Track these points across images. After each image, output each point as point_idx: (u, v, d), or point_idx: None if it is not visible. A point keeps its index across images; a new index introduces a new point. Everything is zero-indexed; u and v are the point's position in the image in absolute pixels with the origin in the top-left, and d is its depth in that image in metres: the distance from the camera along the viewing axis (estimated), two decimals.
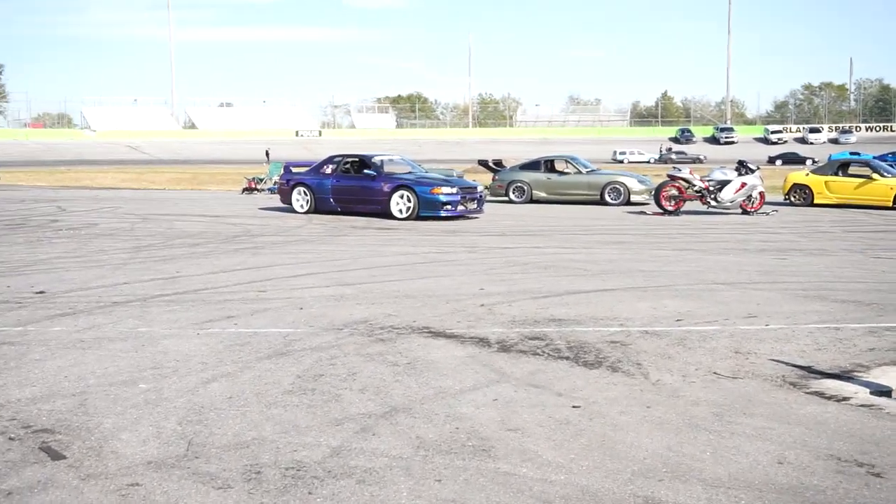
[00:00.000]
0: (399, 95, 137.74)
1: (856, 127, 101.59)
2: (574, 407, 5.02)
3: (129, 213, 19.35)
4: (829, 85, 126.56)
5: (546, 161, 23.06)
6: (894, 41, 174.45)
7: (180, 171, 51.63)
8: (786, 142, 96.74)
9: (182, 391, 5.27)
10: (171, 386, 5.38)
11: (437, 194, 17.19)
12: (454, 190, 17.38)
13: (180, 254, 11.92)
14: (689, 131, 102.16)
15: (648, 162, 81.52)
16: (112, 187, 33.81)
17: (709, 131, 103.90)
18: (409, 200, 17.37)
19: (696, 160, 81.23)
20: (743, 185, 18.77)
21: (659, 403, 5.11)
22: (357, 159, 18.89)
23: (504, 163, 24.33)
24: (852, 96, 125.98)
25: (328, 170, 18.90)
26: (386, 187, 17.66)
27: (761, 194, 19.09)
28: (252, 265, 10.82)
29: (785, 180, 22.02)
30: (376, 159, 18.65)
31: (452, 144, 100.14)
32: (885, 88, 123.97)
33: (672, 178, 19.04)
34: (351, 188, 18.31)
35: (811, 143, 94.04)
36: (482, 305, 8.15)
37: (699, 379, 5.65)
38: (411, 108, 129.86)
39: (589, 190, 22.04)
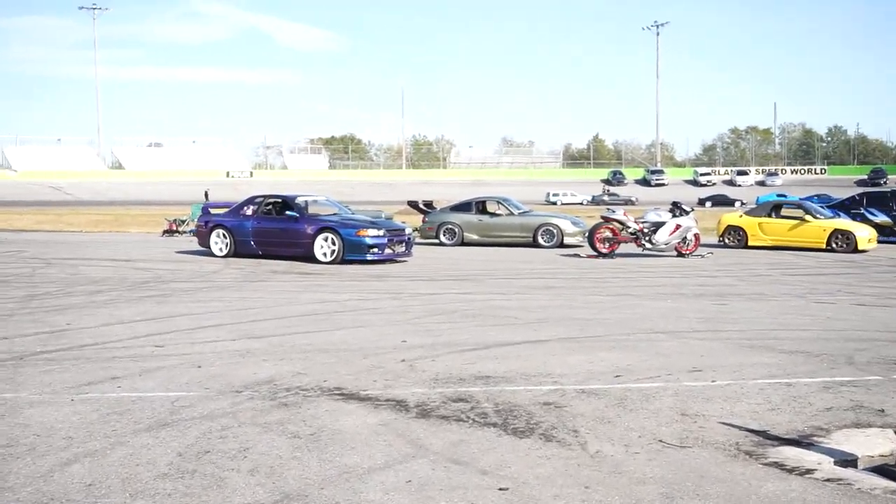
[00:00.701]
0: (332, 137, 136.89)
1: (781, 170, 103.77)
2: (501, 490, 4.27)
3: (34, 257, 18.16)
4: (754, 129, 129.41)
5: (478, 202, 22.47)
6: (815, 87, 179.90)
7: (103, 213, 49.97)
8: (714, 184, 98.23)
9: (31, 477, 4.38)
10: (20, 470, 4.48)
11: (363, 237, 16.41)
12: (381, 232, 16.62)
13: (77, 303, 10.92)
14: (620, 173, 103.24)
15: (581, 203, 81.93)
16: (26, 230, 32.31)
17: (640, 173, 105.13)
18: (333, 243, 16.56)
19: (629, 202, 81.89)
20: (678, 226, 18.38)
21: (599, 482, 4.38)
22: (279, 200, 18.06)
23: (435, 204, 23.68)
24: (777, 140, 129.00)
25: (249, 211, 18.01)
26: (309, 229, 16.83)
27: (696, 236, 18.72)
28: (154, 315, 9.88)
29: (719, 222, 21.77)
30: (299, 200, 17.83)
31: (385, 186, 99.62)
32: (808, 133, 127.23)
33: (606, 219, 18.58)
34: (272, 230, 17.44)
35: (739, 186, 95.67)
36: (403, 360, 7.38)
37: (643, 449, 4.94)
38: (344, 149, 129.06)
39: (521, 232, 21.49)
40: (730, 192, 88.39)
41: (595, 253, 18.42)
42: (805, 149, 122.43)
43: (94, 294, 11.79)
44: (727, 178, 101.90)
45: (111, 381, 6.53)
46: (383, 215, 22.66)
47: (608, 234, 18.41)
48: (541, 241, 21.24)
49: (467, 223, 21.87)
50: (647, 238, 18.40)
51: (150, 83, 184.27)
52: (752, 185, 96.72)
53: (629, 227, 18.46)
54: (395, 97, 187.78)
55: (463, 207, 22.37)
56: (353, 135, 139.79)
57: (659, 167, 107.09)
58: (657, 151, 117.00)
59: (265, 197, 18.20)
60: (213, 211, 18.75)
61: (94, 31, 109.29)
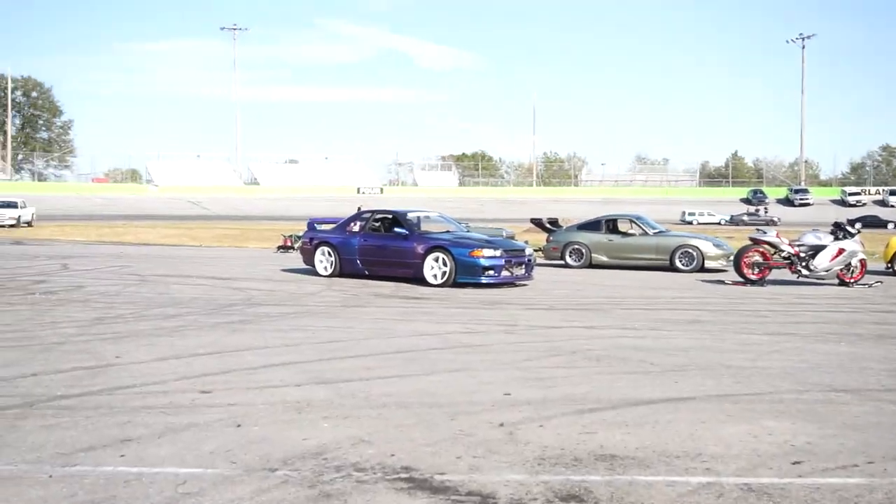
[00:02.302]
0: (463, 154, 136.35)
1: None
2: None
3: (134, 272, 17.25)
4: None
5: (608, 221, 20.46)
6: None
7: (231, 228, 50.14)
8: (864, 204, 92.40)
9: None
10: None
11: (478, 257, 14.72)
12: (498, 253, 14.89)
13: (144, 329, 9.61)
14: (761, 192, 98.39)
15: (719, 223, 78.15)
16: (149, 243, 32.11)
17: (782, 192, 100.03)
18: (444, 264, 14.94)
19: (770, 222, 77.68)
20: (840, 251, 15.94)
21: None
22: (389, 216, 16.59)
23: (560, 222, 21.77)
24: None
25: (355, 227, 16.61)
26: (419, 248, 15.27)
27: (862, 262, 16.21)
28: (220, 348, 8.43)
29: (887, 246, 19.03)
30: (410, 216, 16.30)
31: (515, 203, 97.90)
32: None
33: (755, 241, 16.30)
34: (379, 249, 15.97)
35: (892, 206, 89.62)
36: (501, 425, 5.63)
37: None
38: (475, 166, 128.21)
39: (657, 254, 19.36)
40: (882, 213, 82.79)
41: (742, 280, 16.17)
42: None
43: (168, 318, 10.49)
44: (878, 198, 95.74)
45: (118, 446, 5.03)
46: (504, 233, 20.98)
47: (758, 258, 16.12)
48: (678, 264, 19.08)
49: (596, 243, 19.90)
50: (803, 264, 16.03)
51: (289, 103, 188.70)
52: None
53: (783, 251, 16.13)
54: (527, 115, 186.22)
55: (591, 226, 20.41)
56: (483, 152, 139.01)
57: (804, 186, 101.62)
58: (801, 169, 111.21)
59: (373, 212, 16.78)
60: (319, 227, 17.42)
61: (234, 51, 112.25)
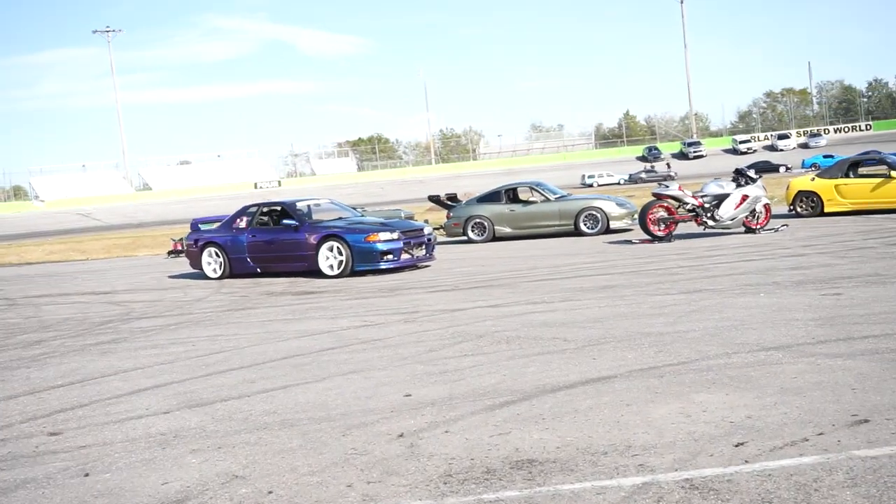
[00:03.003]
0: (359, 138, 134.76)
1: (824, 130, 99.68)
2: None
3: (4, 297, 15.84)
4: (790, 91, 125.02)
5: (508, 190, 19.79)
6: (850, 42, 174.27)
7: (122, 237, 47.97)
8: (755, 151, 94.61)
9: None
10: None
11: (374, 242, 13.88)
12: (395, 235, 14.07)
13: (0, 361, 8.50)
14: (656, 149, 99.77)
15: (619, 183, 78.87)
16: (33, 262, 30.20)
17: (676, 147, 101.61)
18: (339, 253, 14.05)
19: (668, 177, 78.67)
20: (744, 197, 15.61)
21: None
22: (276, 208, 15.57)
23: (459, 196, 21.01)
24: (815, 100, 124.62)
25: (242, 223, 15.55)
26: (312, 239, 14.34)
27: (766, 207, 15.93)
28: (83, 376, 7.41)
29: (788, 188, 18.86)
30: (300, 205, 15.34)
31: (415, 183, 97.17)
32: (847, 89, 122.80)
33: (658, 196, 15.85)
34: (269, 244, 14.97)
35: (781, 150, 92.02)
36: (401, 436, 4.84)
37: None
38: (372, 150, 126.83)
39: (560, 220, 18.80)
40: (773, 157, 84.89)
41: (649, 237, 15.71)
42: (845, 106, 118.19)
43: (30, 346, 9.36)
44: (767, 143, 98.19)
45: None
46: (402, 214, 20.15)
47: (663, 213, 15.68)
48: (583, 228, 18.56)
49: (498, 215, 19.23)
50: (708, 215, 15.65)
51: (175, 104, 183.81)
52: (794, 148, 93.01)
53: (687, 204, 15.73)
54: (420, 94, 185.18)
55: (491, 197, 19.70)
56: (380, 135, 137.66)
57: (696, 139, 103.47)
58: (692, 123, 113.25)
59: (259, 205, 15.72)
60: (203, 227, 16.29)
61: (109, 54, 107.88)
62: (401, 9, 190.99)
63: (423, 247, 14.57)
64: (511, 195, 19.69)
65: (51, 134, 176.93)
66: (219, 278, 15.47)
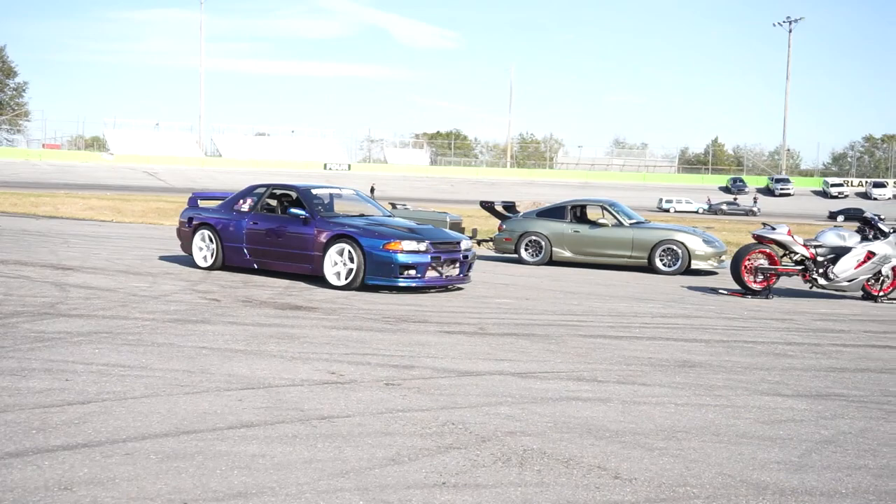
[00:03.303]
0: (437, 132, 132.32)
1: None
2: None
3: None
4: (892, 137, 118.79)
5: (574, 207, 16.67)
6: None
7: (170, 201, 45.97)
8: (847, 196, 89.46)
9: None
10: None
11: (394, 252, 11.00)
12: (422, 246, 11.16)
13: None
14: (741, 181, 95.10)
15: (697, 212, 74.78)
16: (62, 216, 28.04)
17: (762, 181, 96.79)
18: (350, 259, 11.21)
19: (750, 212, 74.48)
20: (869, 255, 12.35)
21: None
22: (288, 192, 12.78)
23: (518, 206, 17.97)
24: None
25: (245, 206, 12.80)
26: (321, 237, 11.53)
27: (894, 270, 12.64)
28: None
29: None
30: (317, 193, 12.55)
31: (487, 184, 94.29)
32: None
33: (760, 240, 12.65)
34: (272, 235, 12.19)
35: (875, 199, 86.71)
36: None
37: None
38: (448, 145, 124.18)
39: (633, 250, 15.66)
40: (865, 205, 79.79)
41: (742, 290, 12.54)
42: None
43: None
44: (861, 189, 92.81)
45: None
46: (447, 219, 17.18)
47: (763, 262, 12.48)
48: (659, 264, 15.40)
49: (558, 235, 16.16)
50: (821, 270, 12.42)
51: (263, 76, 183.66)
52: (889, 198, 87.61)
53: (795, 254, 12.52)
54: (505, 95, 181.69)
55: (554, 213, 16.61)
56: (458, 131, 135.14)
57: (784, 175, 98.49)
58: (782, 158, 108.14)
59: (269, 186, 12.94)
60: (203, 204, 13.60)
61: (201, 14, 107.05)
62: (497, 6, 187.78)
63: (457, 265, 11.64)
64: (578, 213, 16.60)
65: (132, 91, 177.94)
66: (208, 268, 12.77)
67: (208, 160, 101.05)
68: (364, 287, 11.20)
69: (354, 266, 11.13)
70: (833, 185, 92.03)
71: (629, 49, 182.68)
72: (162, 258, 14.41)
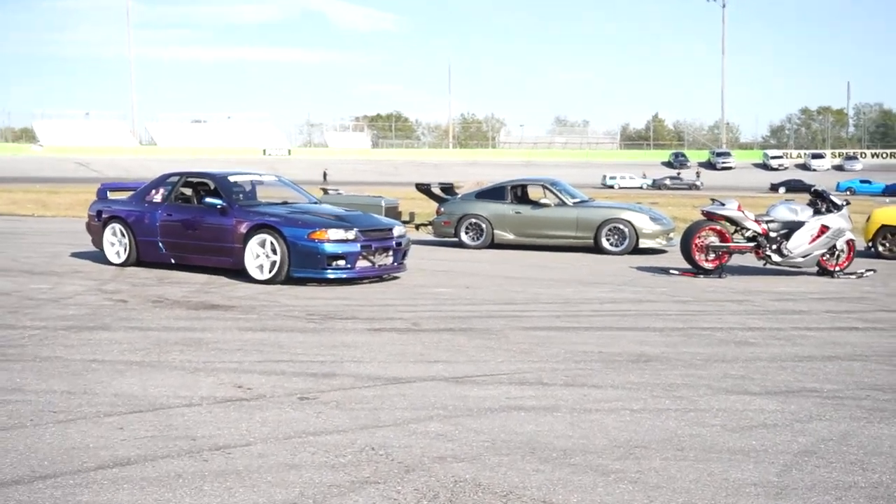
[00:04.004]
0: (378, 115, 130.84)
1: (861, 153, 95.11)
2: None
3: None
4: (827, 109, 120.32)
5: (515, 187, 15.88)
6: (892, 67, 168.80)
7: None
8: (786, 168, 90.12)
9: None
10: None
11: (320, 242, 10.12)
12: (350, 235, 10.30)
13: None
14: (683, 155, 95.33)
15: (641, 188, 74.75)
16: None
17: (703, 155, 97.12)
18: (273, 250, 10.31)
19: (693, 186, 74.65)
20: (823, 229, 11.78)
21: None
22: (204, 181, 11.81)
23: (456, 188, 17.13)
24: (851, 122, 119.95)
25: (157, 196, 11.80)
26: (241, 227, 10.60)
27: (850, 244, 12.10)
28: None
29: (869, 220, 14.90)
30: (235, 180, 11.59)
31: (430, 166, 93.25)
32: (886, 114, 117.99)
33: (710, 216, 12.01)
34: (188, 227, 11.24)
35: (815, 170, 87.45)
36: None
37: None
38: (390, 127, 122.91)
39: (577, 230, 14.94)
40: (805, 176, 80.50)
41: (694, 270, 11.90)
42: (883, 131, 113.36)
43: None
44: (800, 161, 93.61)
45: None
46: (382, 203, 16.26)
47: (714, 239, 11.85)
48: (605, 244, 14.71)
49: (499, 216, 15.38)
50: (774, 246, 11.82)
51: (198, 63, 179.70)
52: (828, 169, 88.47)
53: (747, 230, 11.90)
54: (445, 76, 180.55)
55: (494, 194, 15.81)
56: (399, 113, 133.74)
57: (725, 149, 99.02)
58: (722, 133, 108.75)
59: (182, 175, 11.96)
60: (114, 196, 12.57)
61: (127, 1, 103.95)
62: None
63: (391, 253, 10.79)
64: (519, 193, 15.83)
65: (63, 80, 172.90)
66: (122, 265, 11.76)
67: (142, 149, 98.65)
68: (290, 280, 10.31)
69: (278, 258, 10.23)
70: (773, 158, 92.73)
71: (568, 27, 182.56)
72: (75, 255, 13.33)
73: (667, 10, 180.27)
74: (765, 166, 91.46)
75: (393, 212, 16.42)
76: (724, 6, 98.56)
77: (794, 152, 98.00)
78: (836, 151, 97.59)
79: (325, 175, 74.22)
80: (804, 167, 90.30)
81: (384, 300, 9.40)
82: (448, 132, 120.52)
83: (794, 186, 72.23)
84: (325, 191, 17.08)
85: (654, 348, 6.99)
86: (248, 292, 9.74)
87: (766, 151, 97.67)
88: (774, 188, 72.24)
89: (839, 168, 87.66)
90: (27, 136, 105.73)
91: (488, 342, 7.14)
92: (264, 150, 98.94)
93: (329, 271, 10.18)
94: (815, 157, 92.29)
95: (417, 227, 16.67)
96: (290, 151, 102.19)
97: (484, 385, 5.72)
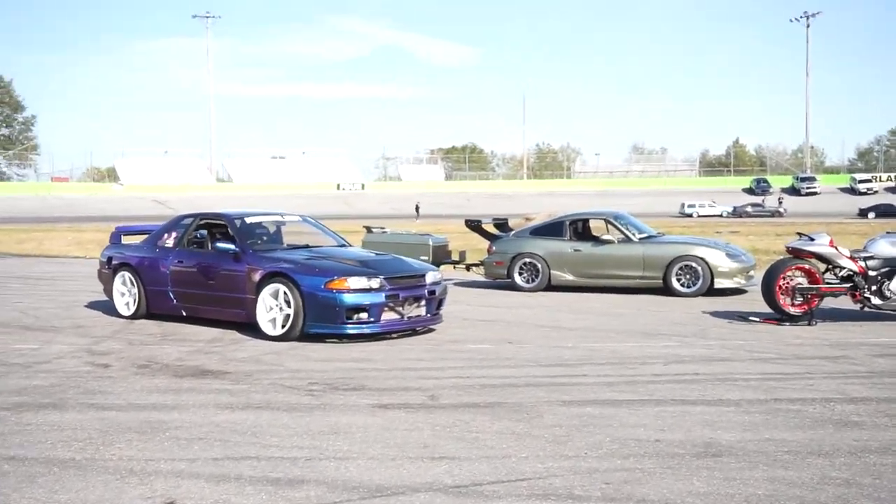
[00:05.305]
0: (453, 147, 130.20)
1: None
2: None
3: None
4: None
5: (574, 222, 14.37)
6: None
7: None
8: (876, 192, 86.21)
9: None
10: None
11: (338, 292, 8.81)
12: (374, 283, 8.97)
13: None
14: (765, 181, 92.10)
15: (721, 215, 72.06)
16: (45, 254, 26.08)
17: (787, 181, 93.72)
18: (287, 302, 9.03)
19: (776, 213, 71.71)
20: None
21: None
22: (218, 222, 10.62)
23: (511, 224, 15.66)
24: None
25: (170, 241, 10.66)
26: (254, 275, 9.37)
27: None
28: None
29: None
30: (253, 220, 10.40)
31: (504, 197, 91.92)
32: None
33: (796, 253, 10.34)
34: (199, 275, 10.06)
35: None
36: None
37: None
38: (464, 159, 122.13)
39: (644, 270, 13.35)
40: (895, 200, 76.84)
41: (778, 316, 10.23)
42: None
43: None
44: (890, 184, 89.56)
45: None
46: (429, 242, 14.87)
47: (802, 280, 10.17)
48: (675, 284, 13.09)
49: (557, 255, 13.87)
50: (874, 288, 10.10)
51: (279, 99, 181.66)
52: None
53: (841, 268, 10.20)
54: (520, 105, 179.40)
55: (551, 230, 14.30)
56: (474, 144, 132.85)
57: (810, 174, 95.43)
58: (806, 157, 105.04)
59: (196, 216, 10.80)
60: (128, 240, 11.50)
61: (207, 40, 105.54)
62: (513, 18, 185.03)
63: (423, 303, 9.42)
64: (579, 229, 14.32)
65: (144, 119, 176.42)
66: (131, 317, 10.65)
67: (219, 185, 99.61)
68: (307, 337, 9.01)
69: (292, 311, 8.95)
70: (861, 182, 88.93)
71: (644, 54, 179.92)
72: (91, 304, 12.28)
73: (747, 30, 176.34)
74: (852, 191, 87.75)
75: (442, 251, 15.07)
76: (808, 25, 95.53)
77: (884, 175, 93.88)
78: None
79: (417, 208, 73.45)
80: (894, 191, 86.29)
81: (406, 362, 8.01)
82: (523, 162, 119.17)
83: (884, 211, 68.88)
84: (369, 229, 15.80)
85: (727, 433, 5.45)
86: (253, 353, 8.46)
87: (854, 175, 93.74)
88: (863, 213, 68.95)
89: None
90: (111, 175, 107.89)
91: (516, 425, 5.69)
92: (338, 185, 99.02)
93: (349, 326, 8.85)
94: None
95: (468, 267, 15.27)
96: (363, 186, 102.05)
97: (494, 499, 4.28)
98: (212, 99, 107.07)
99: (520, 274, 14.00)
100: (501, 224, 15.30)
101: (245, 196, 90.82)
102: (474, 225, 15.18)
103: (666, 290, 13.17)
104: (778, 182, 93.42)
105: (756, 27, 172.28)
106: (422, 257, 14.01)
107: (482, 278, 15.07)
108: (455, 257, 15.40)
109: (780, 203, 75.88)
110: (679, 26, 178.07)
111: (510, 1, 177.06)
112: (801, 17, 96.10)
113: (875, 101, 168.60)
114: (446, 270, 16.06)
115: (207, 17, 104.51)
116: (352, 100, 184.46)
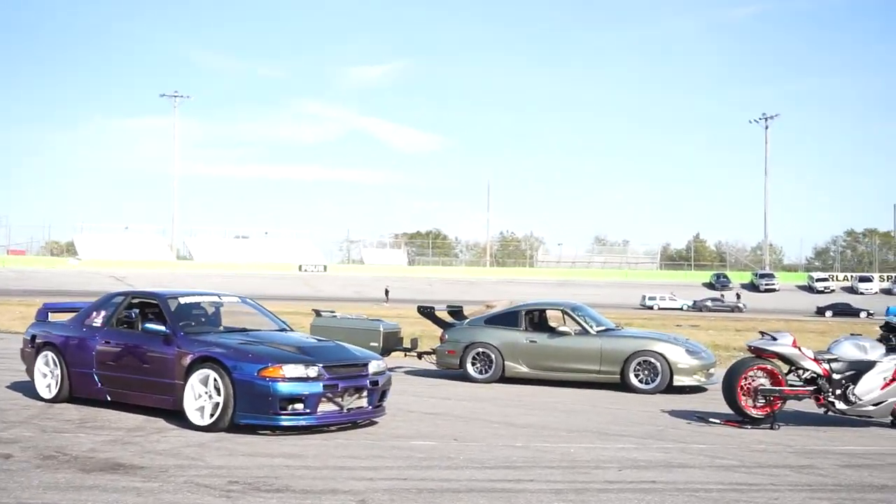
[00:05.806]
0: (417, 232, 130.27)
1: None
2: None
3: None
4: (873, 231, 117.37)
5: (530, 312, 13.90)
6: None
7: None
8: (833, 291, 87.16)
9: None
10: None
11: (272, 380, 8.19)
12: (312, 372, 8.36)
13: None
14: (725, 276, 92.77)
15: (681, 309, 72.24)
16: None
17: (746, 277, 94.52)
18: (217, 389, 8.38)
19: (735, 308, 72.01)
20: None
21: None
22: (150, 301, 9.98)
23: (465, 312, 15.14)
24: None
25: (98, 320, 9.99)
26: (184, 360, 8.72)
27: None
28: None
29: None
30: (187, 301, 9.79)
31: (466, 284, 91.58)
32: None
33: (758, 353, 9.90)
34: (126, 357, 9.39)
35: (862, 293, 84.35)
36: None
37: None
38: (428, 244, 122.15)
39: (601, 364, 12.84)
40: (852, 300, 77.58)
41: (739, 418, 9.73)
42: None
43: None
44: (846, 284, 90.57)
45: None
46: (381, 328, 14.27)
47: (764, 380, 9.70)
48: (633, 380, 12.59)
49: (511, 346, 13.34)
50: (838, 391, 9.66)
51: (244, 180, 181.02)
52: (876, 292, 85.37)
53: (804, 370, 9.77)
54: (484, 193, 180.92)
55: (506, 319, 13.79)
56: (438, 230, 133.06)
57: (769, 271, 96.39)
58: (765, 254, 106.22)
59: (127, 294, 10.17)
60: (55, 317, 10.81)
61: (174, 118, 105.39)
62: (480, 107, 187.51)
63: (364, 394, 8.81)
64: (535, 319, 13.83)
65: (106, 195, 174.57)
66: (51, 400, 9.90)
67: (178, 263, 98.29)
68: (237, 427, 8.34)
69: (221, 399, 8.30)
70: (818, 280, 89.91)
71: (609, 148, 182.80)
72: (13, 385, 11.49)
73: (709, 130, 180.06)
74: (810, 289, 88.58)
75: (393, 337, 14.49)
76: (766, 127, 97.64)
77: (840, 275, 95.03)
78: (885, 275, 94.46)
79: (386, 292, 73.56)
80: (851, 290, 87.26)
81: (340, 459, 7.37)
82: (486, 250, 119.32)
83: (841, 310, 69.49)
84: (318, 312, 15.18)
85: None
86: (175, 444, 7.77)
87: (811, 274, 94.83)
88: (821, 311, 69.55)
89: (888, 292, 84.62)
90: (70, 250, 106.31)
91: None
92: (300, 266, 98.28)
93: (283, 417, 8.21)
94: (862, 280, 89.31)
95: (419, 355, 14.66)
96: (325, 267, 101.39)
97: None
98: (176, 177, 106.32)
99: (472, 364, 13.43)
100: (456, 311, 14.76)
101: (204, 275, 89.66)
102: (427, 311, 14.63)
103: (623, 385, 12.66)
104: (737, 278, 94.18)
105: (717, 127, 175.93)
106: (372, 344, 13.46)
107: (434, 367, 14.45)
108: (407, 344, 14.79)
109: (738, 298, 76.33)
110: (643, 123, 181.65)
111: (477, 93, 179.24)
112: (759, 118, 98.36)
113: (832, 202, 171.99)
114: (397, 358, 15.46)
115: (175, 96, 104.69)
116: (317, 182, 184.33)
